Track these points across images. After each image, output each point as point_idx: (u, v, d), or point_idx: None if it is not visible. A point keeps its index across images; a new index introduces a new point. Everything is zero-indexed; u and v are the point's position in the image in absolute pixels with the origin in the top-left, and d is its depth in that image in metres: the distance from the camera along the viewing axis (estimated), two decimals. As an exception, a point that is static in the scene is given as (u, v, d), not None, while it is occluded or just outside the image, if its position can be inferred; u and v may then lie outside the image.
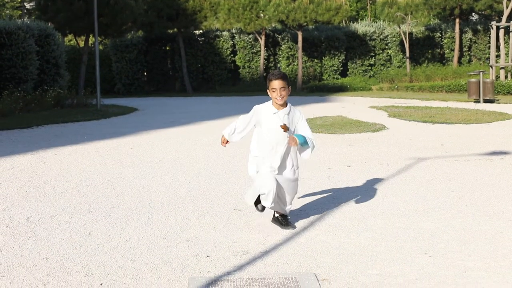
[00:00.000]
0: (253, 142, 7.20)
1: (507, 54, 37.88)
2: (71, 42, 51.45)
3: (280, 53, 44.59)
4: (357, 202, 8.67)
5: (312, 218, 7.79)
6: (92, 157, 13.33)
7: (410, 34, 43.35)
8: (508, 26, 35.44)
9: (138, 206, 8.63)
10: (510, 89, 31.19)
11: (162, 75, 45.34)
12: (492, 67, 32.39)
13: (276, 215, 7.39)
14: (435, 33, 45.01)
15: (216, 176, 10.88)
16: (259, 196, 7.13)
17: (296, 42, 42.54)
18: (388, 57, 45.25)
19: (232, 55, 45.01)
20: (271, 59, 44.87)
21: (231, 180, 10.40)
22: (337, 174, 10.86)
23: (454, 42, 43.76)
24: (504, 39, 35.95)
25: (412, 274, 5.65)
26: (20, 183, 10.45)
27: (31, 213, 8.25)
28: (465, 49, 44.67)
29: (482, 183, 9.86)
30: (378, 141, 15.12)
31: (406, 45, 41.47)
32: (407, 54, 41.73)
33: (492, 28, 33.52)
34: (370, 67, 45.28)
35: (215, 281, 5.54)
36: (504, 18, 35.35)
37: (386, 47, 45.27)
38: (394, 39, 44.74)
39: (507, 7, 35.92)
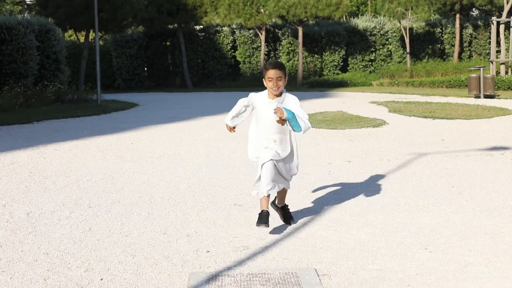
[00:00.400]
0: (251, 127, 7.10)
1: (507, 50, 37.83)
2: (72, 38, 51.41)
3: (281, 48, 44.54)
4: (357, 197, 8.67)
5: (312, 213, 7.79)
6: (93, 152, 13.34)
7: (411, 29, 43.29)
8: (509, 22, 35.35)
9: (138, 201, 8.64)
10: (511, 85, 31.17)
11: (163, 71, 45.29)
12: (492, 63, 32.35)
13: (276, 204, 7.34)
14: (435, 29, 44.95)
15: (216, 171, 10.88)
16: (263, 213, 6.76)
17: (297, 38, 42.49)
18: (389, 52, 45.20)
19: (232, 50, 44.96)
20: (272, 55, 44.82)
21: (231, 175, 10.40)
22: (338, 170, 10.86)
23: (455, 37, 43.70)
24: (505, 35, 35.88)
25: (412, 269, 5.66)
26: (21, 178, 10.45)
27: (31, 208, 8.26)
28: (465, 44, 44.62)
29: (482, 178, 9.86)
30: (379, 136, 15.12)
31: (407, 41, 41.42)
32: (408, 50, 41.69)
33: (493, 24, 33.47)
34: (370, 63, 45.22)
35: (215, 276, 5.54)
36: (504, 13, 35.29)
37: (387, 42, 45.21)
38: (394, 34, 44.68)
39: (507, 3, 35.86)
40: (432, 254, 6.06)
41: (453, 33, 44.18)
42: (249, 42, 44.41)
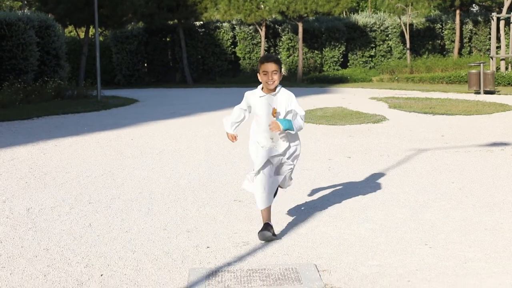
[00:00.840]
0: (252, 124, 6.91)
1: (507, 45, 37.83)
2: (72, 33, 51.38)
3: (281, 44, 44.52)
4: (357, 193, 8.67)
5: (312, 209, 7.79)
6: (93, 148, 13.33)
7: (411, 25, 43.26)
8: (509, 17, 35.35)
9: (138, 197, 8.64)
10: (511, 80, 31.16)
11: (163, 66, 45.27)
12: (492, 58, 32.34)
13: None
14: (435, 24, 44.92)
15: (216, 167, 10.88)
16: (267, 226, 6.49)
17: (297, 33, 42.46)
18: (389, 48, 45.17)
19: (232, 46, 44.94)
20: (272, 50, 44.78)
21: (231, 171, 10.40)
22: (338, 165, 10.86)
23: (455, 33, 43.68)
24: (505, 30, 35.88)
25: (412, 265, 5.66)
26: (21, 174, 10.45)
27: (31, 204, 8.26)
28: (465, 40, 44.60)
29: (482, 174, 9.86)
30: (379, 132, 15.11)
31: (407, 36, 41.39)
32: (408, 46, 41.66)
33: (493, 19, 33.45)
34: (370, 59, 45.20)
35: (215, 272, 5.55)
36: (504, 9, 35.28)
37: (387, 38, 45.19)
38: (394, 30, 44.66)
39: (507, -2, 35.88)
40: (432, 250, 6.06)
41: (453, 29, 44.17)
42: (249, 38, 44.39)
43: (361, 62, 44.86)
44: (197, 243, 6.40)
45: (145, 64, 45.22)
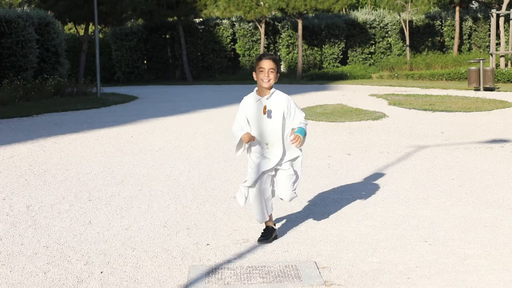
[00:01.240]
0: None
1: (507, 42, 37.80)
2: (71, 31, 51.39)
3: (280, 41, 44.49)
4: (357, 190, 8.68)
5: (312, 206, 7.79)
6: (92, 146, 13.33)
7: (410, 22, 43.24)
8: (508, 14, 35.33)
9: (138, 194, 8.64)
10: (510, 77, 31.14)
11: (162, 64, 45.26)
12: (492, 55, 32.33)
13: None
14: (435, 21, 44.90)
15: (216, 164, 10.88)
16: (267, 233, 6.40)
17: (296, 30, 42.43)
18: (388, 45, 45.15)
19: (232, 43, 44.92)
20: (271, 47, 44.77)
21: (231, 168, 10.41)
22: (337, 162, 10.86)
23: (454, 30, 43.65)
24: (504, 27, 35.85)
25: (412, 262, 5.66)
26: (20, 172, 10.45)
27: (31, 202, 8.26)
28: (465, 37, 44.58)
29: (482, 171, 9.86)
30: (378, 129, 15.11)
31: (406, 33, 41.37)
32: (407, 42, 41.65)
33: (492, 16, 33.43)
34: (370, 55, 45.18)
35: (215, 269, 5.55)
36: (504, 6, 35.24)
37: (386, 35, 45.16)
38: (394, 27, 44.63)
39: (507, -5, 35.85)
40: (432, 247, 6.06)
41: (453, 25, 44.14)
42: (248, 35, 44.37)
43: (360, 59, 44.85)
44: (197, 240, 6.40)
45: (145, 61, 45.21)
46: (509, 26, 38.38)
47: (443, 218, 7.08)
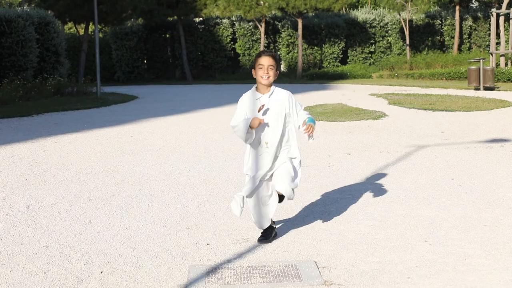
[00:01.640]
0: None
1: (507, 41, 37.81)
2: (71, 30, 51.39)
3: (280, 40, 44.50)
4: (357, 189, 8.67)
5: (311, 205, 7.79)
6: (92, 145, 13.33)
7: (410, 21, 43.24)
8: (508, 13, 35.34)
9: (138, 194, 8.64)
10: (510, 77, 31.15)
11: (162, 63, 45.27)
12: (492, 55, 32.33)
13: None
14: (435, 20, 44.90)
15: (216, 163, 10.88)
16: (267, 233, 6.36)
17: (296, 30, 42.43)
18: (388, 44, 45.16)
19: (232, 42, 44.93)
20: (271, 47, 44.77)
21: (231, 168, 10.40)
22: (337, 162, 10.86)
23: (454, 29, 43.67)
24: (504, 26, 35.86)
25: (412, 261, 5.66)
26: (20, 171, 10.45)
27: (31, 201, 8.26)
28: (465, 36, 44.58)
29: (482, 170, 9.86)
30: (378, 129, 15.11)
31: (406, 33, 41.38)
32: (407, 42, 41.65)
33: (492, 15, 33.44)
34: (370, 55, 45.19)
35: (215, 269, 5.55)
36: (504, 5, 35.24)
37: (386, 34, 45.17)
38: (394, 26, 44.64)
39: (507, -6, 35.85)
40: (432, 247, 6.06)
41: (453, 25, 44.14)
42: (248, 34, 44.37)
43: (360, 59, 44.86)
44: (197, 240, 6.40)
45: (145, 61, 45.22)
46: (509, 25, 38.38)
47: (443, 218, 7.08)
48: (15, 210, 7.83)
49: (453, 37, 44.04)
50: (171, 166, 10.69)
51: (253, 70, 6.29)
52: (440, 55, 41.54)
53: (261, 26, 42.03)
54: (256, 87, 6.31)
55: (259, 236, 6.36)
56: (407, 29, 41.37)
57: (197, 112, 20.29)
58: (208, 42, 44.51)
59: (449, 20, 44.48)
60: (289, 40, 44.28)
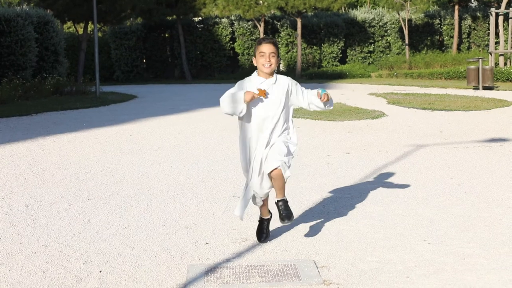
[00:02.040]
0: (240, 135, 6.22)
1: (506, 41, 37.81)
2: (70, 29, 51.34)
3: (279, 40, 44.49)
4: (356, 189, 8.67)
5: (310, 205, 7.79)
6: (91, 145, 13.33)
7: (409, 20, 43.24)
8: (507, 13, 35.34)
9: (137, 193, 8.64)
10: (509, 76, 31.15)
11: (161, 62, 45.26)
12: (491, 54, 32.34)
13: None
14: (434, 20, 44.91)
15: (215, 163, 10.88)
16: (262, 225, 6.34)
17: (295, 29, 42.43)
18: (387, 44, 45.17)
19: (231, 42, 44.92)
20: (270, 46, 44.72)
21: (230, 167, 10.40)
22: (336, 161, 10.85)
23: (453, 29, 43.67)
24: (503, 26, 35.87)
25: (411, 261, 5.66)
26: (19, 171, 10.45)
27: (30, 201, 8.26)
28: (464, 36, 44.58)
29: (481, 170, 9.86)
30: (377, 128, 15.11)
31: (406, 32, 41.38)
32: (406, 41, 41.65)
33: (491, 15, 33.45)
34: (369, 54, 45.20)
35: (214, 268, 5.55)
36: (503, 4, 35.25)
37: (385, 34, 45.17)
38: (393, 26, 44.64)
39: (506, -6, 35.86)
40: (431, 246, 6.06)
41: (452, 24, 44.15)
42: (248, 33, 44.37)
43: (359, 58, 44.86)
44: (196, 239, 6.40)
45: (144, 60, 45.22)
46: (508, 25, 38.39)
47: (442, 217, 7.08)
48: (14, 209, 7.83)
49: (452, 37, 44.05)
50: (170, 166, 10.69)
51: (253, 58, 6.13)
52: (439, 55, 41.55)
53: (260, 25, 42.03)
54: (258, 73, 6.13)
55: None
56: (406, 28, 41.36)
57: (196, 112, 20.29)
58: (207, 42, 44.51)
59: (448, 20, 44.48)
60: (288, 40, 44.28)
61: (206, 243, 6.27)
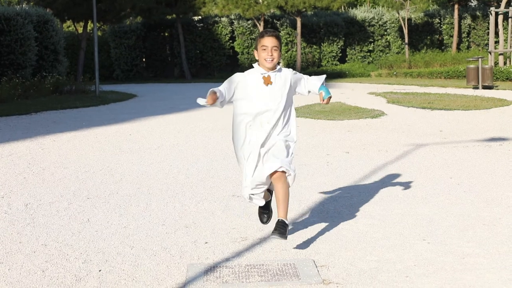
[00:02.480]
0: (234, 131, 6.34)
1: (506, 40, 37.81)
2: (70, 28, 51.34)
3: (279, 39, 44.49)
4: (355, 188, 8.67)
5: (310, 204, 7.79)
6: (91, 144, 13.33)
7: (409, 20, 43.25)
8: (507, 12, 35.33)
9: (136, 192, 8.64)
10: (509, 75, 31.15)
11: (161, 61, 45.27)
12: (491, 53, 32.33)
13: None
14: (434, 19, 44.92)
15: (214, 162, 10.88)
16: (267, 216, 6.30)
17: (295, 28, 42.43)
18: (387, 43, 45.17)
19: (231, 41, 44.93)
20: (270, 45, 44.74)
21: (229, 167, 10.40)
22: (336, 160, 10.85)
23: (453, 28, 43.67)
24: (503, 25, 35.87)
25: (410, 260, 5.66)
26: (19, 170, 10.44)
27: (29, 200, 8.26)
28: (464, 35, 44.59)
29: (480, 169, 9.86)
30: (377, 127, 15.11)
31: (405, 31, 41.38)
32: (406, 40, 41.65)
33: (491, 14, 33.44)
34: (369, 53, 45.20)
35: (213, 267, 5.55)
36: (503, 4, 35.25)
37: (385, 33, 45.17)
38: (393, 25, 44.65)
39: (506, -7, 35.86)
40: (430, 245, 6.06)
41: (452, 23, 44.15)
42: (247, 32, 44.37)
43: (359, 57, 44.87)
44: (195, 239, 6.40)
45: (144, 59, 45.23)
46: (507, 24, 38.39)
47: (441, 217, 7.08)
48: (13, 208, 7.83)
49: (452, 36, 44.05)
50: (169, 165, 10.69)
51: (255, 51, 5.92)
52: (438, 54, 41.56)
53: (260, 24, 42.03)
54: (259, 65, 5.96)
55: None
56: (406, 27, 41.36)
57: (196, 111, 20.28)
58: (207, 41, 44.51)
59: (448, 19, 44.49)
60: (288, 39, 44.28)
61: (206, 242, 6.27)
